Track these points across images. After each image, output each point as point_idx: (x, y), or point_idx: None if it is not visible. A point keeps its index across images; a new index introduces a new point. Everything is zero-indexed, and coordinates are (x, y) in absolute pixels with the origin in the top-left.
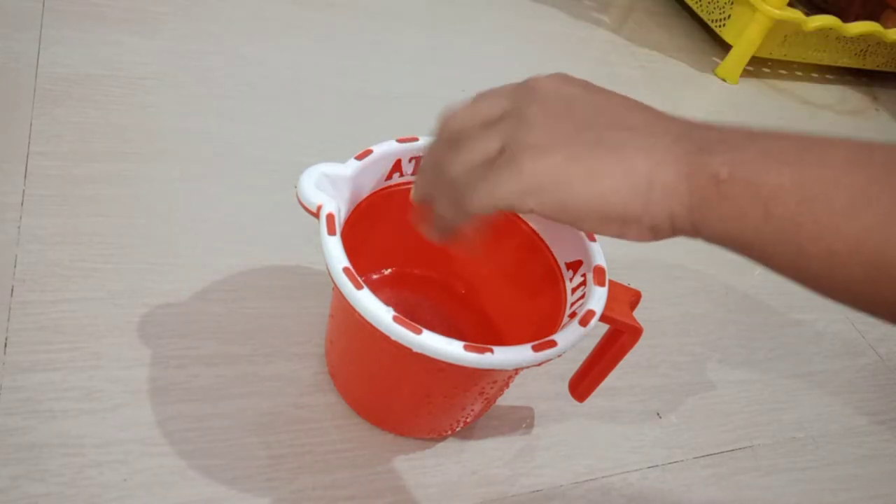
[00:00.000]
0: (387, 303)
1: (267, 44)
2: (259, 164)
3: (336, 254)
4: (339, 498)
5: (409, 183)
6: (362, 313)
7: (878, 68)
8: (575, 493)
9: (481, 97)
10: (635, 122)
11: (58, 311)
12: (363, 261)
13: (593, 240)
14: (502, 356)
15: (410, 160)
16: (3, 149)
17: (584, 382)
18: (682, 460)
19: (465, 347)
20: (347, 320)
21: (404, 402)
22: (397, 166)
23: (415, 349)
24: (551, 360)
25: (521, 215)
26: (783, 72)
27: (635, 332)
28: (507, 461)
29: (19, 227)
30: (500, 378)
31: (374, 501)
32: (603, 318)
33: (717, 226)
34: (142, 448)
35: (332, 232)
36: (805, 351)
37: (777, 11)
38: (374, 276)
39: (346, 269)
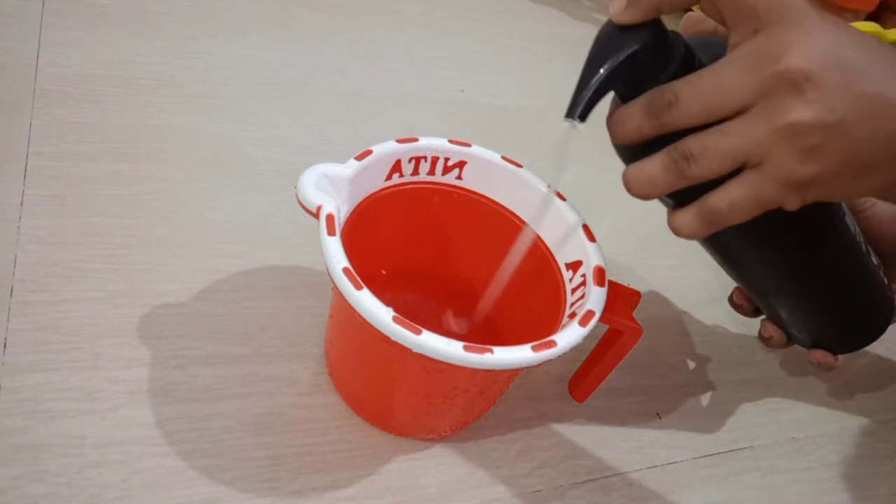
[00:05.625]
0: (387, 303)
1: (266, 44)
2: (259, 164)
3: (336, 254)
4: (339, 498)
5: (409, 183)
6: (362, 313)
7: None
8: (575, 493)
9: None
10: None
11: (57, 311)
12: (363, 261)
13: (593, 240)
14: (502, 356)
15: (410, 160)
16: (3, 149)
17: (583, 383)
18: (682, 460)
19: (465, 347)
20: (347, 320)
21: (404, 403)
22: (397, 166)
23: (415, 349)
24: (551, 360)
25: (520, 216)
26: None
27: (635, 333)
28: (507, 461)
29: (19, 228)
30: (500, 378)
31: (374, 502)
32: (602, 319)
33: None
34: (141, 448)
35: (331, 232)
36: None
37: None
38: (374, 276)
39: (345, 270)
